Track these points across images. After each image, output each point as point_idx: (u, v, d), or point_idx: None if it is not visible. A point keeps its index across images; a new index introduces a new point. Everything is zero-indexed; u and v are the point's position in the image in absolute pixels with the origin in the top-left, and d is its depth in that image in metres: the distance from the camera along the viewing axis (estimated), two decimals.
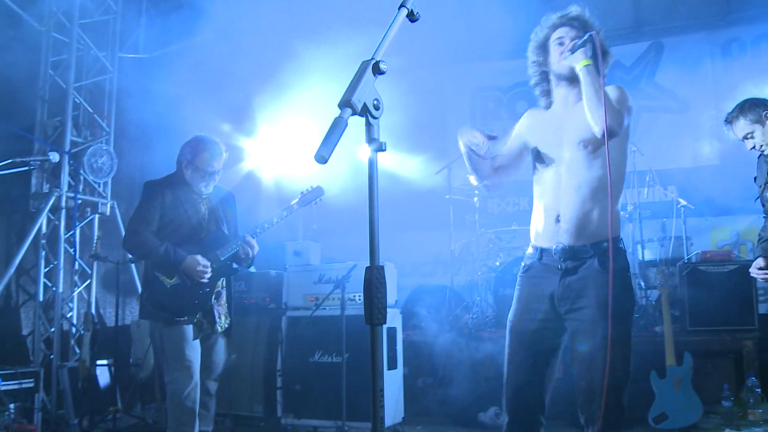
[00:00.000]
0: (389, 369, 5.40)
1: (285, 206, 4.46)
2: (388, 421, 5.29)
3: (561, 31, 2.94)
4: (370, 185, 1.71)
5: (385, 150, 1.72)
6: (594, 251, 2.74)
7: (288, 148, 7.05)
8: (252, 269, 5.50)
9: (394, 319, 5.61)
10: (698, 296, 5.74)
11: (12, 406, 5.02)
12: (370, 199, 1.71)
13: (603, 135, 2.63)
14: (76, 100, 6.51)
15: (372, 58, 1.75)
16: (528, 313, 2.86)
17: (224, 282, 4.40)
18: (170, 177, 4.26)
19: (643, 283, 6.55)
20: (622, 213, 6.88)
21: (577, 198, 2.77)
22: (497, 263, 6.93)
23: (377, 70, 1.73)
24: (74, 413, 5.56)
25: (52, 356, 5.89)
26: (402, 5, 1.89)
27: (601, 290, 2.67)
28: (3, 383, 5.00)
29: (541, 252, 2.87)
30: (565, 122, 2.88)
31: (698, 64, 8.02)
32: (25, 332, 6.07)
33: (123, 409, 5.77)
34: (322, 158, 1.60)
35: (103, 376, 5.89)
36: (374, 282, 1.74)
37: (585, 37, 2.77)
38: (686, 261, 6.19)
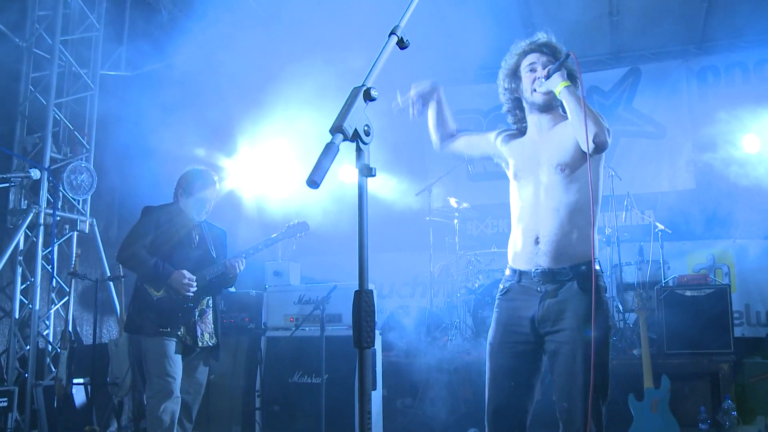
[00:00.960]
0: None
1: (268, 237, 4.76)
2: None
3: (532, 57, 2.99)
4: (360, 210, 1.72)
5: (374, 175, 1.74)
6: (573, 273, 2.77)
7: (268, 168, 7.06)
8: (232, 289, 5.51)
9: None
10: (675, 319, 5.81)
11: None
12: (360, 224, 1.73)
13: (588, 150, 2.68)
14: (56, 116, 6.44)
15: (363, 85, 1.78)
16: (508, 335, 2.86)
17: (210, 302, 4.56)
18: (167, 204, 4.55)
19: (621, 306, 6.61)
20: (599, 236, 6.97)
21: (555, 220, 2.80)
22: (476, 285, 6.98)
23: (368, 97, 1.77)
24: None
25: (26, 375, 5.79)
26: (392, 32, 1.92)
27: (580, 312, 2.71)
28: None
29: (520, 274, 2.88)
30: (541, 147, 2.92)
31: (675, 90, 8.20)
32: None
33: (99, 429, 5.67)
34: (313, 183, 1.62)
35: (79, 395, 5.82)
36: (363, 306, 1.74)
37: (562, 59, 2.83)
38: (663, 285, 6.27)
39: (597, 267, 2.82)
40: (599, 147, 2.69)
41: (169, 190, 4.70)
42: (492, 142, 3.15)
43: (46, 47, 6.42)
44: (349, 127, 1.67)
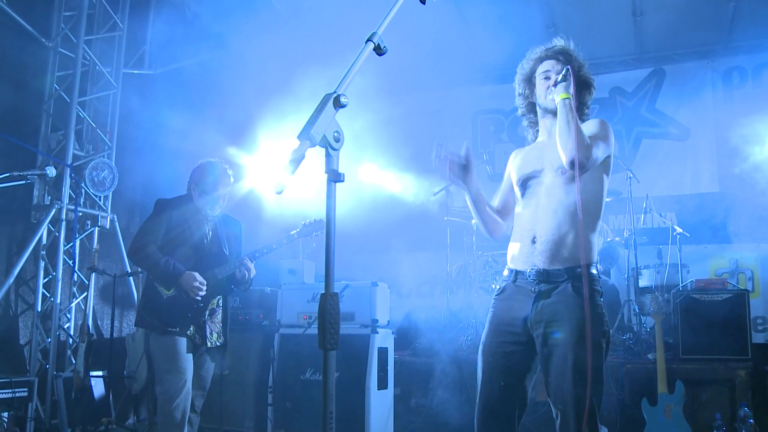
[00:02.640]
0: (379, 389, 5.41)
1: (285, 235, 4.66)
2: None
3: (546, 65, 3.02)
4: (327, 215, 1.74)
5: (343, 181, 1.76)
6: (567, 276, 2.77)
7: (297, 172, 7.06)
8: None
9: (385, 339, 5.64)
10: (692, 324, 5.73)
11: (5, 414, 5.06)
12: (327, 228, 1.75)
13: (571, 166, 2.71)
14: (79, 114, 6.59)
15: (334, 92, 1.80)
16: (500, 335, 2.87)
17: (220, 301, 4.50)
18: (180, 198, 4.44)
19: (637, 309, 6.55)
20: (616, 239, 6.92)
21: (553, 221, 2.81)
22: (494, 285, 6.93)
23: (338, 104, 1.78)
24: (67, 423, 5.60)
25: (48, 366, 5.93)
26: (369, 39, 1.93)
27: (573, 315, 2.71)
28: None
29: (516, 274, 2.90)
30: (547, 150, 2.95)
31: (699, 91, 8.07)
32: (22, 341, 6.11)
33: (116, 421, 5.79)
34: (278, 189, 1.66)
35: (98, 387, 5.95)
36: (328, 308, 1.76)
37: (563, 72, 2.83)
38: (680, 289, 6.18)
39: (594, 271, 2.82)
40: (580, 168, 2.70)
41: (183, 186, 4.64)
42: (510, 174, 3.18)
43: (71, 47, 6.57)
44: (316, 133, 1.70)
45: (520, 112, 3.19)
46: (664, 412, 5.07)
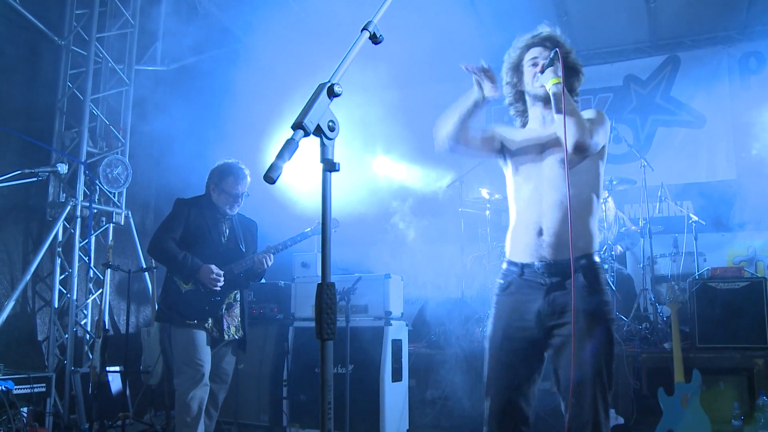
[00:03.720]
0: (393, 381, 5.42)
1: (300, 231, 4.82)
2: None
3: (534, 52, 2.96)
4: (323, 205, 1.74)
5: (338, 170, 1.75)
6: (576, 265, 2.73)
7: (301, 161, 7.05)
8: (262, 280, 5.58)
9: (399, 331, 5.64)
10: (708, 313, 5.68)
11: (25, 409, 5.12)
12: (323, 219, 1.74)
13: (575, 149, 2.68)
14: (93, 111, 6.64)
15: (328, 81, 1.79)
16: (511, 331, 2.81)
17: (237, 295, 4.66)
18: (199, 197, 4.62)
19: (653, 298, 6.49)
20: (633, 227, 6.87)
21: (559, 213, 2.77)
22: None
23: (332, 93, 1.77)
24: (85, 418, 5.66)
25: (65, 362, 5.99)
26: (364, 28, 1.92)
27: (585, 305, 2.68)
28: (16, 387, 5.09)
29: (522, 267, 2.83)
30: (545, 140, 2.89)
31: (715, 78, 7.97)
32: (40, 338, 6.19)
33: (133, 416, 5.84)
34: (270, 179, 1.65)
35: (115, 382, 5.98)
36: (325, 298, 1.76)
37: (551, 56, 2.79)
38: (697, 277, 6.12)
39: (597, 259, 2.80)
40: (580, 151, 2.68)
41: (203, 183, 4.77)
42: (497, 139, 3.10)
43: (83, 44, 6.62)
44: (310, 123, 1.69)
45: (507, 101, 3.12)
46: (680, 401, 5.02)
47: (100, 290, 6.54)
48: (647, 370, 5.63)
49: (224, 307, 4.51)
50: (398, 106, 7.03)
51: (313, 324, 5.23)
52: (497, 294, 2.92)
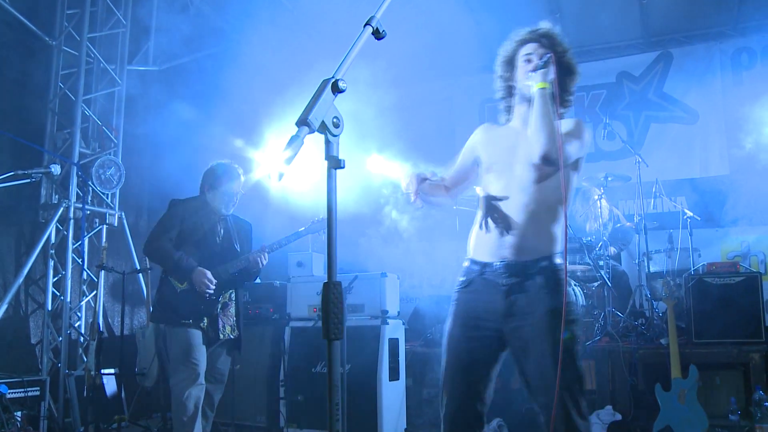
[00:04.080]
0: (391, 380, 5.40)
1: (294, 231, 4.84)
2: None
3: (529, 47, 2.92)
4: (328, 202, 1.73)
5: (343, 167, 1.74)
6: (536, 267, 2.73)
7: (295, 159, 7.01)
8: (257, 280, 5.63)
9: (396, 330, 5.62)
10: (704, 308, 5.68)
11: (19, 414, 5.08)
12: (328, 216, 1.74)
13: (542, 159, 2.68)
14: (85, 112, 6.57)
15: (332, 77, 1.77)
16: (469, 329, 2.79)
17: (232, 295, 4.66)
18: (194, 198, 4.65)
19: (649, 295, 6.50)
20: (627, 224, 6.88)
21: (524, 215, 2.76)
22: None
23: (336, 89, 1.75)
24: (80, 421, 5.62)
25: (59, 365, 5.95)
26: (367, 23, 1.90)
27: (546, 306, 2.67)
28: (10, 391, 5.05)
29: (484, 266, 2.81)
30: (521, 140, 2.86)
31: (708, 74, 8.00)
32: (33, 341, 6.13)
33: (129, 418, 5.80)
34: (276, 176, 1.65)
35: (110, 384, 5.95)
36: (331, 298, 1.75)
37: (545, 58, 2.76)
38: (692, 272, 6.13)
39: (559, 260, 2.78)
40: (547, 163, 2.68)
41: (197, 183, 4.77)
42: (473, 147, 3.09)
43: (75, 44, 6.56)
44: (315, 119, 1.67)
45: (498, 95, 3.08)
46: (678, 397, 5.03)
47: (94, 292, 6.50)
48: (644, 366, 5.63)
49: (219, 306, 4.53)
50: (393, 104, 7.02)
51: (309, 324, 5.35)
52: (457, 291, 2.90)
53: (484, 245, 2.83)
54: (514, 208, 2.77)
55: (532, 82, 2.77)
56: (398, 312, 5.75)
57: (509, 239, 2.75)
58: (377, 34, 1.90)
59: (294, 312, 5.91)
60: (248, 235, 4.88)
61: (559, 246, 2.79)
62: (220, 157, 4.98)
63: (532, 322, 2.67)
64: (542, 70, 2.74)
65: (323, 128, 1.71)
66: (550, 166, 2.66)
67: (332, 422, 1.67)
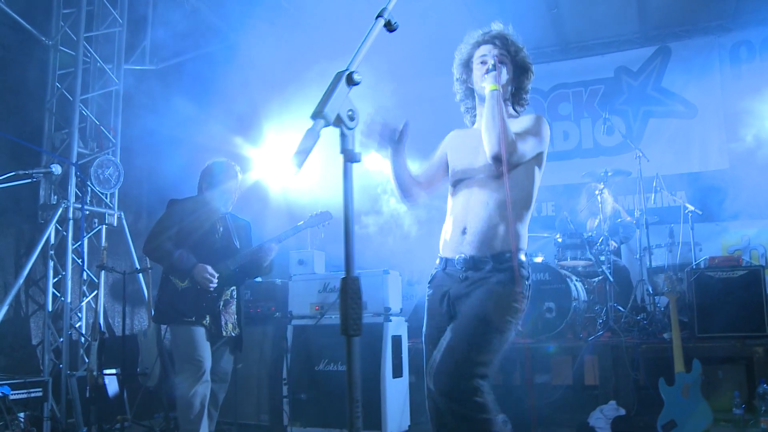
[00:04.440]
0: (394, 377, 5.40)
1: (292, 226, 4.83)
2: (393, 429, 5.30)
3: (483, 49, 2.97)
4: (345, 197, 1.71)
5: (359, 161, 1.73)
6: (493, 261, 2.78)
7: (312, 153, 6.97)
8: (258, 278, 5.59)
9: (399, 327, 5.63)
10: (707, 302, 5.69)
11: (22, 415, 5.06)
12: (345, 211, 1.72)
13: (493, 160, 2.73)
14: (83, 112, 6.51)
15: (346, 69, 1.76)
16: (434, 320, 2.91)
17: (234, 292, 4.68)
18: (192, 197, 4.68)
19: (650, 289, 6.50)
20: (628, 218, 6.89)
21: (484, 213, 2.82)
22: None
23: (351, 81, 1.74)
24: (83, 422, 5.60)
25: (61, 366, 5.92)
26: (379, 15, 1.89)
27: (490, 292, 2.73)
28: (13, 392, 5.02)
29: (446, 262, 2.91)
30: (481, 141, 2.88)
31: (706, 68, 8.01)
32: (35, 342, 6.09)
33: (131, 418, 5.77)
34: (292, 171, 1.62)
35: (112, 385, 5.92)
36: (350, 293, 1.73)
37: (495, 62, 2.84)
38: (694, 267, 6.13)
39: (523, 257, 2.84)
40: (498, 162, 2.72)
41: (196, 182, 4.80)
42: (443, 150, 3.16)
43: (71, 44, 6.51)
44: (330, 112, 1.65)
45: (458, 97, 3.16)
46: (681, 391, 5.02)
47: (95, 292, 6.46)
48: (647, 361, 5.64)
49: (222, 303, 4.54)
50: (388, 101, 6.98)
51: (311, 322, 5.41)
52: (427, 285, 3.03)
53: (447, 243, 2.92)
54: (474, 207, 2.84)
55: (486, 84, 2.83)
56: (401, 309, 5.75)
57: (468, 237, 2.82)
58: (389, 26, 1.89)
59: (296, 310, 5.88)
60: (247, 233, 4.90)
61: (522, 243, 2.84)
62: (219, 155, 5.00)
63: (469, 300, 2.75)
64: (493, 73, 2.81)
65: (338, 121, 1.69)
66: (500, 165, 2.70)
67: (353, 419, 1.68)
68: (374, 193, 6.74)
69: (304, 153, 1.62)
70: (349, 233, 1.72)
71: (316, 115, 1.65)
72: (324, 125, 1.65)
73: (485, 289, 2.74)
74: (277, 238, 4.73)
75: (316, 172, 6.68)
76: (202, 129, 6.68)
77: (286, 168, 1.63)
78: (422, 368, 6.02)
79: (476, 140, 2.92)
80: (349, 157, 1.71)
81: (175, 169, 6.29)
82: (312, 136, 1.63)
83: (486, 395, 2.62)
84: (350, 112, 1.70)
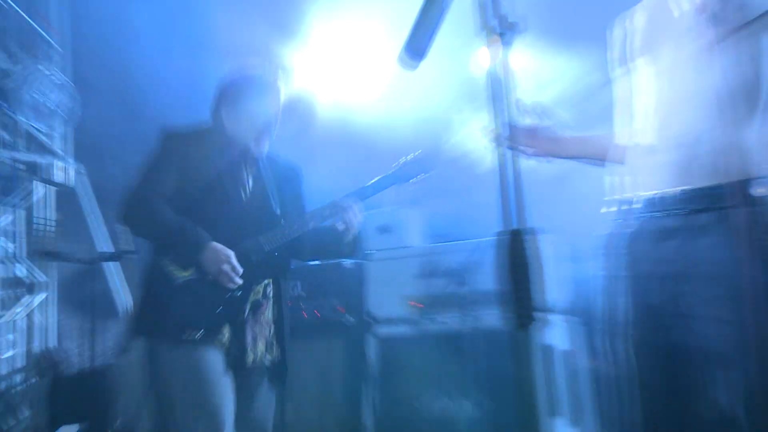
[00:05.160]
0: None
1: (385, 174, 3.35)
2: None
3: None
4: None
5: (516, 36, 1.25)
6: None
7: (354, 59, 5.35)
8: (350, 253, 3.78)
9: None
10: None
11: None
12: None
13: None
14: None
15: None
16: None
17: (269, 288, 3.16)
18: (200, 129, 3.26)
19: None
20: None
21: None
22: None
23: None
24: None
25: None
26: None
27: None
28: None
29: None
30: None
31: None
32: None
33: None
34: (410, 61, 1.34)
35: None
36: (519, 257, 1.18)
37: None
38: None
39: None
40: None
41: (202, 110, 3.24)
42: None
43: None
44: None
45: None
46: None
47: (41, 296, 4.85)
48: None
49: (249, 307, 3.03)
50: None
51: (406, 329, 4.37)
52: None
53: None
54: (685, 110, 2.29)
55: None
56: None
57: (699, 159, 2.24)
58: None
59: (379, 310, 4.31)
60: (297, 188, 3.36)
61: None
62: (241, 57, 3.37)
63: None
64: None
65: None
66: None
67: None
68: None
69: (425, 35, 1.33)
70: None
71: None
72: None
73: None
74: (359, 192, 3.24)
75: (388, 78, 5.06)
76: (208, 20, 4.94)
77: (398, 61, 1.33)
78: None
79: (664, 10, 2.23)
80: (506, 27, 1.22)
81: (164, 90, 4.77)
82: (436, 6, 1.33)
83: None
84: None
